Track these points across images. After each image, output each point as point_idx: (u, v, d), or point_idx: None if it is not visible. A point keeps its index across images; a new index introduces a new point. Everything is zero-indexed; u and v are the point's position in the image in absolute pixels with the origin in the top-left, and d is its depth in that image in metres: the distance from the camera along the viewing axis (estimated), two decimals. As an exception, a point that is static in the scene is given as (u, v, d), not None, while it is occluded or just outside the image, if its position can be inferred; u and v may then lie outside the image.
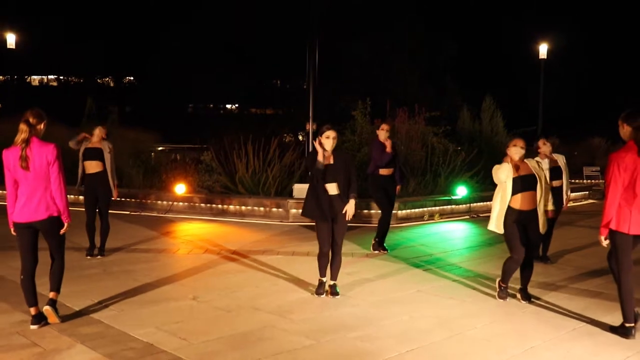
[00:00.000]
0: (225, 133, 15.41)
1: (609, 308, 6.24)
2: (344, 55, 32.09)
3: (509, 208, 6.29)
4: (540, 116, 22.28)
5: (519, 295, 6.64)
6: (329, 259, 6.68)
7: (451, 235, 11.22)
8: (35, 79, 61.34)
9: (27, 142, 5.33)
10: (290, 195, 12.96)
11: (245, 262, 8.39)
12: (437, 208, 13.10)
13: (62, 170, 5.49)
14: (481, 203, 13.84)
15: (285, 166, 13.97)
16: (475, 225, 12.22)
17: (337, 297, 6.67)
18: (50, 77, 61.72)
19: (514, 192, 6.26)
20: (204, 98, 45.08)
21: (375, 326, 5.70)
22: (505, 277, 6.60)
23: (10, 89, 30.38)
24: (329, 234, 6.55)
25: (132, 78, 56.38)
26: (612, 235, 5.41)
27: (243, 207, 12.80)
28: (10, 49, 21.73)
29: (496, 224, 6.38)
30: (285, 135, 22.33)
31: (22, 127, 5.34)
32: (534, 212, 6.29)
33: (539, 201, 6.29)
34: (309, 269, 7.69)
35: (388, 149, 8.96)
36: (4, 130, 16.22)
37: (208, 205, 13.13)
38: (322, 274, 6.76)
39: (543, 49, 22.74)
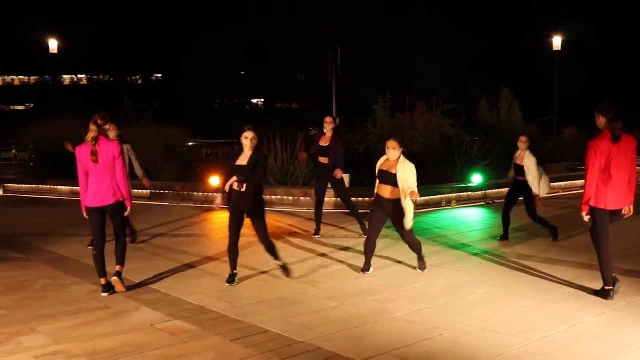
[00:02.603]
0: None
1: (597, 277, 7.02)
2: (366, 55, 33.03)
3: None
4: (555, 106, 22.94)
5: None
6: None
7: (465, 220, 12.12)
8: (66, 79, 63.19)
9: (96, 139, 6.39)
10: (316, 185, 13.91)
11: (278, 243, 9.31)
12: (454, 195, 13.99)
13: (125, 163, 6.56)
14: (496, 190, 14.68)
15: (311, 158, 14.92)
16: (489, 211, 13.09)
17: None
18: (80, 76, 63.48)
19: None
20: (231, 94, 46.24)
21: (391, 292, 6.69)
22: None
23: (47, 90, 31.76)
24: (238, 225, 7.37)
25: (160, 75, 57.82)
26: (592, 211, 6.30)
27: (273, 197, 13.82)
28: (53, 54, 22.87)
29: None
30: (311, 129, 23.28)
31: (92, 127, 6.41)
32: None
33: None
34: (334, 248, 8.66)
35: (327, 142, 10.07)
36: (50, 132, 17.41)
37: (240, 195, 14.13)
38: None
39: (557, 41, 23.39)
